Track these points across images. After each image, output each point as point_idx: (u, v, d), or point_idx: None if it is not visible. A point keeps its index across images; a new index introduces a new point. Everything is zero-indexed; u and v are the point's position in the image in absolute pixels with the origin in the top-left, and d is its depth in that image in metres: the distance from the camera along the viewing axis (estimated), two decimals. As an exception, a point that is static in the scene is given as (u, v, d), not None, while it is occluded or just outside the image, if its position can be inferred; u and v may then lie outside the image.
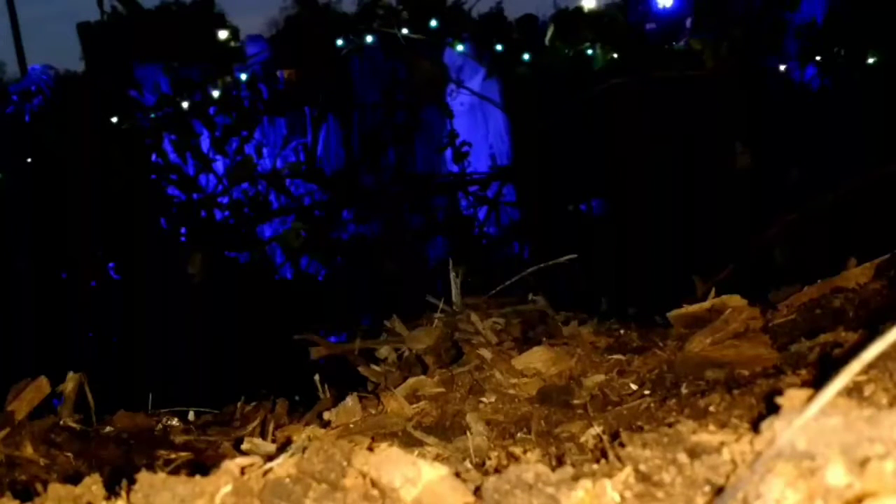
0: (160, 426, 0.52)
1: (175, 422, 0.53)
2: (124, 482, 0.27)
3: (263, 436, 0.45)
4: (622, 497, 0.23)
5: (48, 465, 0.45)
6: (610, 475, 0.24)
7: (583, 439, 0.34)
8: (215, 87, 2.95)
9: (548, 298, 0.58)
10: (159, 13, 3.26)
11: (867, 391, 0.25)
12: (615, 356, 0.44)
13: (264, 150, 3.11)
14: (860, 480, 0.18)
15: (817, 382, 0.22)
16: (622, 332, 0.54)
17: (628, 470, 0.24)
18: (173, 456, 0.44)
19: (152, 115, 2.82)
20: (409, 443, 0.36)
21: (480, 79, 2.81)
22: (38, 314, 2.37)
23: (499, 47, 2.78)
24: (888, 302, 0.50)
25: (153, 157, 2.82)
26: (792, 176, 2.14)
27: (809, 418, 0.20)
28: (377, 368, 0.53)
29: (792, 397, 0.23)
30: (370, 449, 0.26)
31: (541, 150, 2.57)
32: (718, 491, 0.22)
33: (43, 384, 0.52)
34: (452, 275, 0.57)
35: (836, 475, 0.19)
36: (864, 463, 0.19)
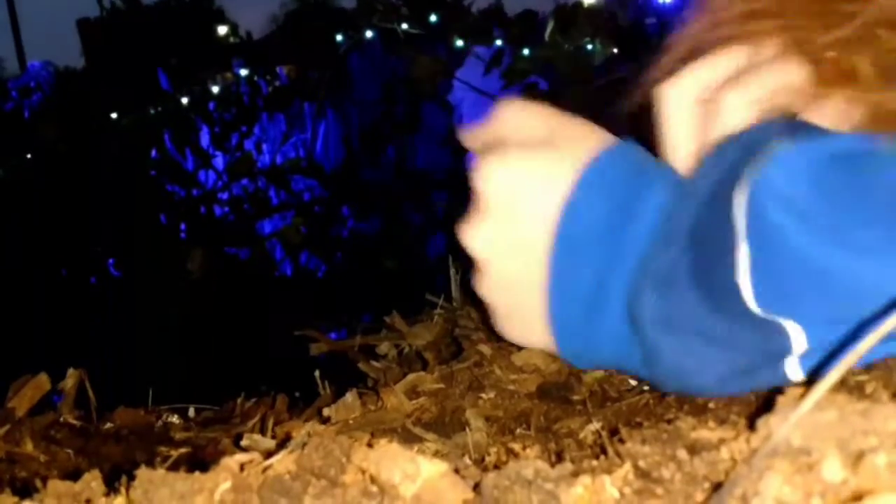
0: (160, 422, 0.52)
1: (175, 418, 0.53)
2: (124, 478, 0.27)
3: (263, 432, 0.45)
4: (621, 493, 0.23)
5: (48, 462, 0.45)
6: (609, 471, 0.24)
7: (582, 435, 0.34)
8: (215, 83, 2.94)
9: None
10: (158, 9, 3.25)
11: (868, 389, 0.25)
12: (615, 352, 0.44)
13: (264, 146, 3.11)
14: (855, 475, 0.18)
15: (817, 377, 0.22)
16: (622, 328, 0.54)
17: (627, 466, 0.24)
18: (173, 452, 0.44)
19: (151, 111, 2.81)
20: (408, 439, 0.36)
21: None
22: (37, 311, 2.37)
23: (498, 42, 2.78)
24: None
25: (153, 153, 2.82)
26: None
27: (804, 413, 0.20)
28: (377, 364, 0.53)
29: (787, 393, 0.23)
30: (369, 445, 0.26)
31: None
32: (717, 487, 0.22)
33: (43, 381, 0.52)
34: (452, 271, 0.57)
35: (832, 470, 0.19)
36: (858, 457, 0.19)
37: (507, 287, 0.37)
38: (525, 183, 0.34)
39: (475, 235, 0.36)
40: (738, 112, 0.34)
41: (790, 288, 0.28)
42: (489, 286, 0.38)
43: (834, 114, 0.34)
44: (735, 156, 0.30)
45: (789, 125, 0.31)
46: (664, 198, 0.33)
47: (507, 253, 0.36)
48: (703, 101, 0.35)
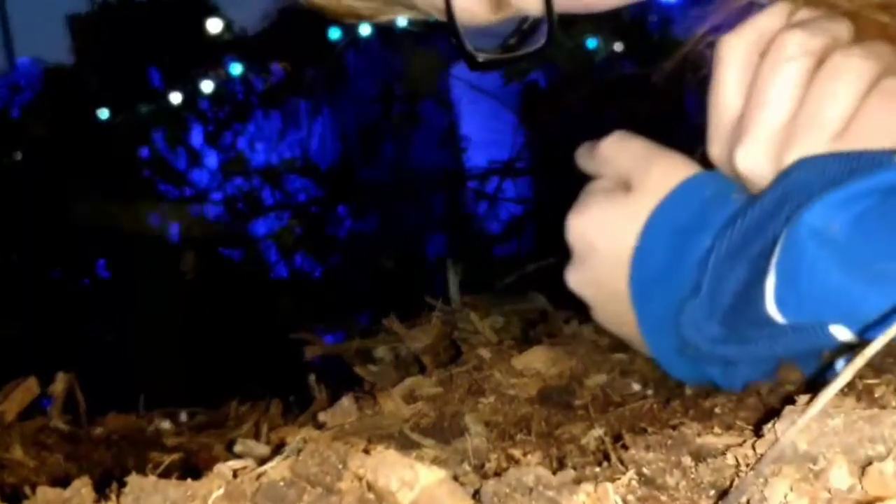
0: (152, 428, 0.51)
1: (167, 423, 0.52)
2: (114, 485, 0.26)
3: (257, 437, 0.44)
4: (625, 500, 0.23)
5: (37, 468, 0.44)
6: (612, 478, 0.23)
7: (584, 441, 0.33)
8: (208, 80, 2.92)
9: (549, 296, 0.58)
10: (150, 5, 3.22)
11: (878, 393, 0.25)
12: (617, 355, 0.44)
13: (258, 145, 3.09)
14: (862, 482, 0.18)
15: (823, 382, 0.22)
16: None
17: (631, 473, 0.23)
18: (165, 458, 0.43)
19: (143, 109, 2.79)
20: (406, 445, 0.36)
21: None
22: (27, 312, 2.34)
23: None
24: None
25: (145, 152, 2.80)
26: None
27: (811, 419, 0.20)
28: (374, 368, 0.52)
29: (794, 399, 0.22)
30: (366, 451, 0.25)
31: (547, 144, 2.57)
32: (723, 494, 0.22)
33: (32, 385, 0.51)
34: (450, 273, 0.56)
35: (840, 477, 0.19)
36: (865, 464, 0.18)
37: (613, 322, 0.42)
38: (600, 233, 0.39)
39: (572, 280, 0.42)
40: (797, 55, 0.35)
41: (813, 306, 0.30)
42: (601, 320, 0.42)
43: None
44: (784, 198, 0.33)
45: (847, 161, 0.33)
46: (710, 241, 0.36)
47: (601, 295, 0.40)
48: (762, 51, 0.37)
